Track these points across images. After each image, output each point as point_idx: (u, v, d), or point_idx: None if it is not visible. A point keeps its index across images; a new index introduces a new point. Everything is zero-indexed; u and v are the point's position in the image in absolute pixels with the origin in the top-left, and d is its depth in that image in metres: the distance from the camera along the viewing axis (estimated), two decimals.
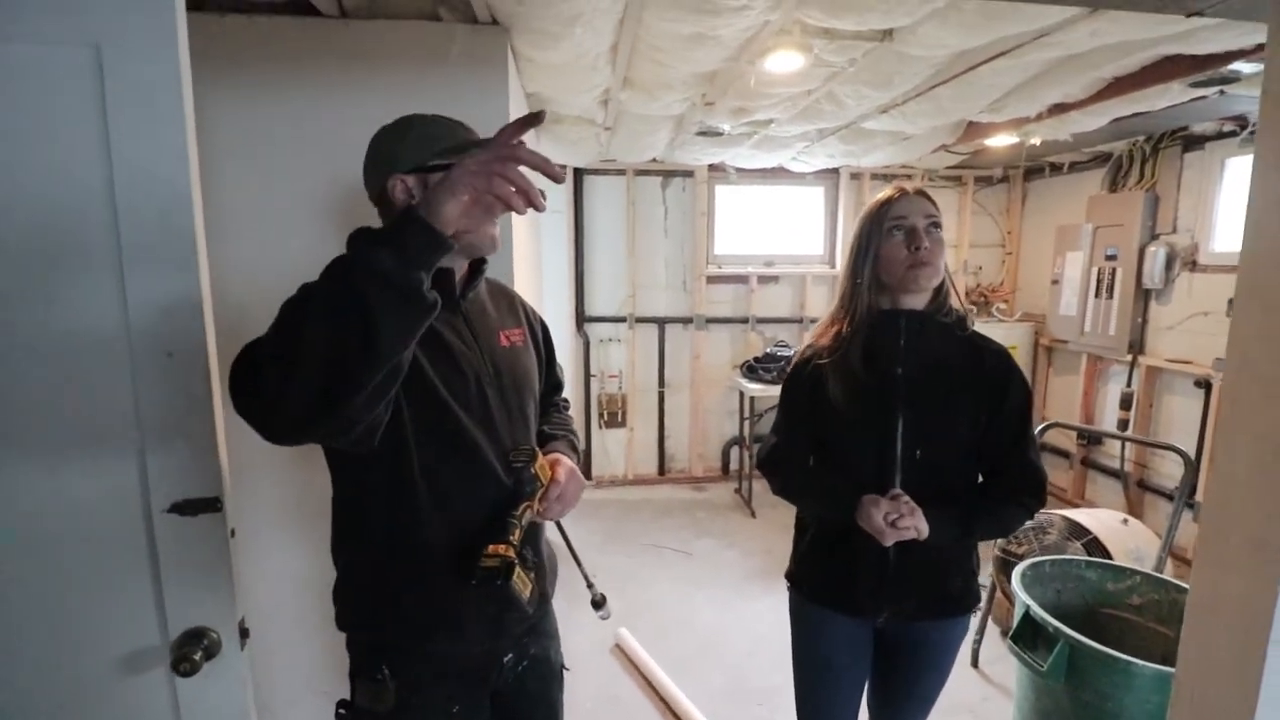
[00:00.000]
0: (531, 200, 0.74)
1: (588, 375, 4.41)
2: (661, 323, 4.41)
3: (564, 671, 1.22)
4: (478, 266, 1.06)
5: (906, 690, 1.39)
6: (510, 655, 1.09)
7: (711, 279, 4.40)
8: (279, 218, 1.71)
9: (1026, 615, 1.70)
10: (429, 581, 0.98)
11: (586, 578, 1.25)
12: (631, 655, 2.54)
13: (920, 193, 1.21)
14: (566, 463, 1.05)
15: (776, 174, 4.23)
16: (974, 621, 2.50)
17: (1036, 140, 3.03)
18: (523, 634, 1.09)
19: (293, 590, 1.85)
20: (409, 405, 0.95)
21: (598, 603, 1.24)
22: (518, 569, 0.89)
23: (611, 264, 4.32)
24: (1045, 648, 1.64)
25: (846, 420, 1.25)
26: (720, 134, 3.02)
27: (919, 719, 1.42)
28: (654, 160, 3.98)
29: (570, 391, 4.43)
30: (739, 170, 4.16)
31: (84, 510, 0.99)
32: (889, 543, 1.14)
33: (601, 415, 4.46)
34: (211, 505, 1.03)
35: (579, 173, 4.14)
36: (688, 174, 4.25)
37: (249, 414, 0.76)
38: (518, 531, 0.92)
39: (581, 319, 4.34)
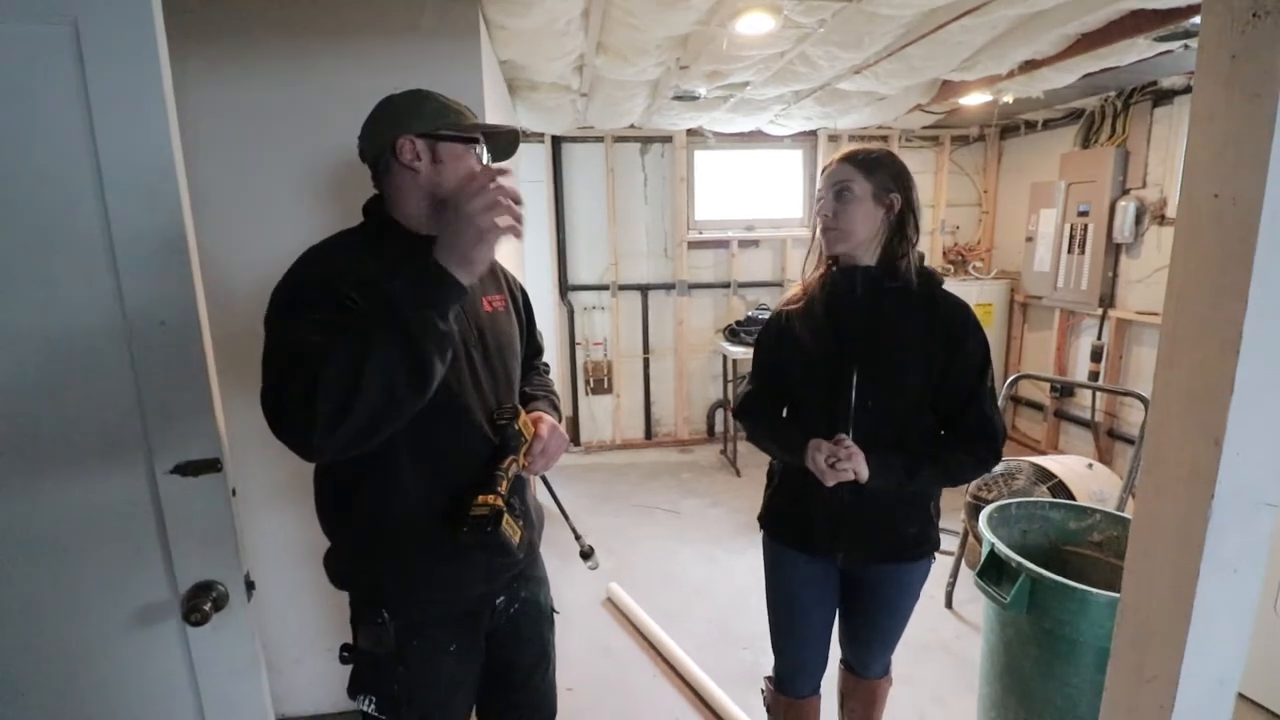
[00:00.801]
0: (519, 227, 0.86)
1: (573, 343, 4.46)
2: (644, 289, 4.45)
3: (554, 615, 1.30)
4: None
5: (868, 628, 1.49)
6: (502, 598, 1.16)
7: (693, 244, 4.43)
8: (260, 190, 1.72)
9: (992, 553, 1.80)
10: (423, 536, 1.04)
11: (574, 530, 1.32)
12: (623, 607, 2.65)
13: (846, 158, 1.27)
14: (549, 419, 1.11)
15: (754, 138, 4.24)
16: (947, 565, 2.63)
17: (1009, 98, 3.07)
18: (513, 578, 1.17)
19: (293, 554, 1.92)
20: None
21: (586, 553, 1.32)
22: (506, 516, 0.96)
23: (592, 232, 4.33)
24: (1009, 582, 1.74)
25: (806, 371, 1.33)
26: (696, 98, 3.03)
27: (884, 654, 1.53)
28: (632, 126, 3.97)
29: (555, 360, 4.50)
30: (717, 135, 4.17)
31: (91, 474, 1.04)
32: (830, 483, 1.21)
33: (588, 382, 4.53)
34: (212, 466, 1.08)
35: (557, 141, 4.13)
36: (666, 140, 4.24)
37: (295, 445, 0.86)
38: (504, 483, 0.99)
39: (565, 288, 4.37)
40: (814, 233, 1.34)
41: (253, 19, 1.65)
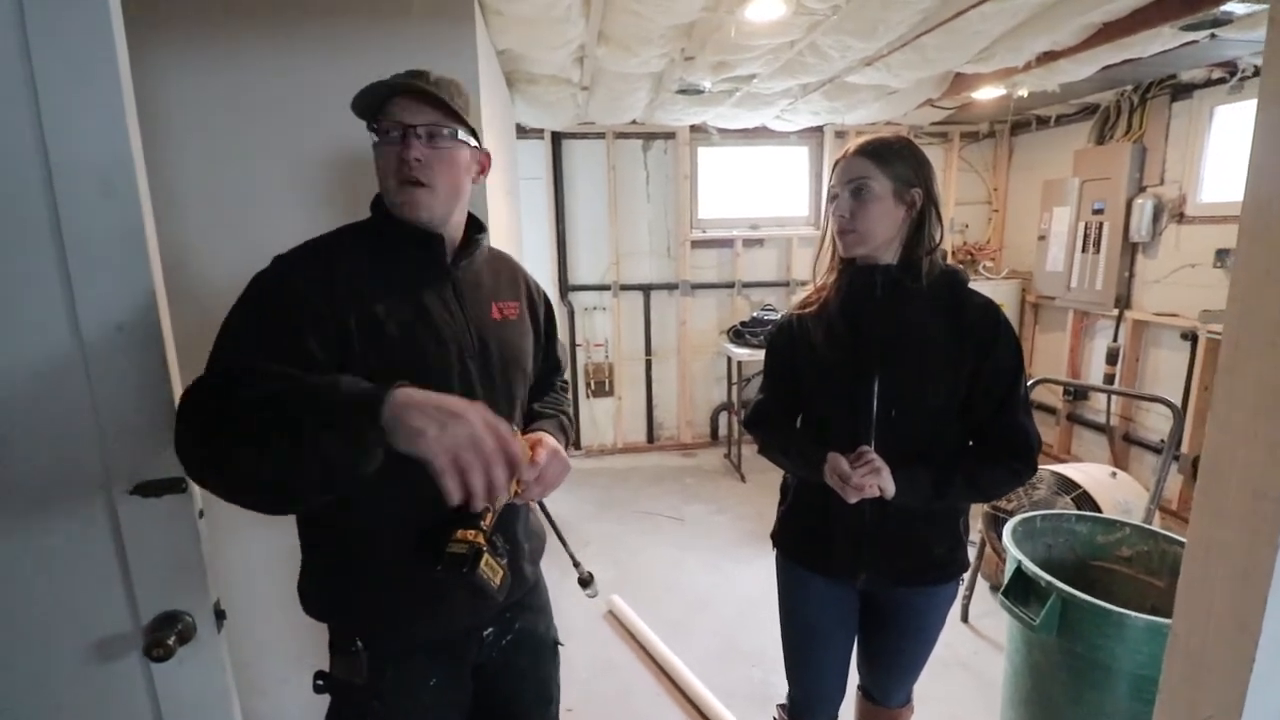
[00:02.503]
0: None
1: (573, 345, 4.36)
2: (646, 289, 4.35)
3: (558, 647, 1.19)
4: (473, 234, 1.03)
5: (892, 655, 1.38)
6: (491, 630, 1.06)
7: (696, 243, 4.33)
8: (243, 185, 1.62)
9: (1018, 570, 1.70)
10: (398, 564, 0.93)
11: (572, 557, 1.22)
12: (625, 621, 2.55)
13: (861, 151, 1.15)
14: (550, 443, 0.99)
15: (759, 134, 4.14)
16: (964, 578, 2.53)
17: (1024, 92, 2.97)
18: (506, 608, 1.06)
19: (275, 569, 1.81)
20: (382, 375, 0.89)
21: (584, 580, 1.22)
22: (486, 556, 0.84)
23: (593, 231, 4.23)
24: (1037, 602, 1.64)
25: (823, 380, 1.23)
26: (701, 92, 2.93)
27: (906, 682, 1.42)
28: (634, 122, 3.87)
29: None
30: (721, 131, 4.06)
31: (43, 495, 0.93)
32: (852, 500, 1.11)
33: (589, 385, 4.43)
34: (176, 486, 0.97)
35: (557, 137, 4.02)
36: (669, 135, 4.14)
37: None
38: (490, 516, 0.86)
39: (565, 288, 4.27)
40: (823, 234, 1.24)
41: (232, 3, 1.54)
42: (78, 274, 0.88)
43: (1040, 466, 2.55)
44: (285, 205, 1.62)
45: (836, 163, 1.19)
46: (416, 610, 0.96)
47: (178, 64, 1.54)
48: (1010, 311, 4.18)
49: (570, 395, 1.26)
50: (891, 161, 1.13)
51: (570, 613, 2.64)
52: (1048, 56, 2.51)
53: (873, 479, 1.10)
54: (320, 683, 1.00)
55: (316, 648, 1.90)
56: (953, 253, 4.42)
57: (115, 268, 0.90)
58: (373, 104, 0.93)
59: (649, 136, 4.15)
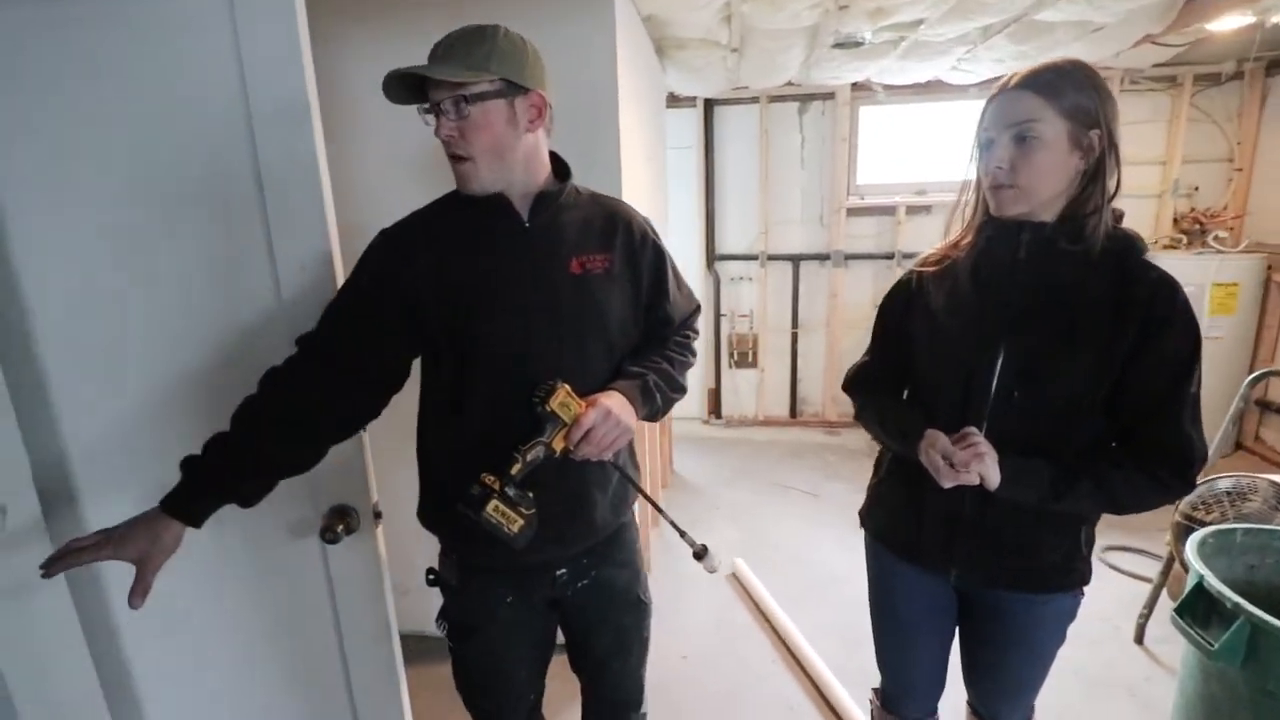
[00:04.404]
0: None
1: (718, 314, 4.37)
2: (796, 260, 4.21)
3: (643, 604, 1.21)
4: (549, 190, 1.01)
5: (995, 669, 1.22)
6: (564, 571, 1.09)
7: (852, 211, 4.09)
8: (400, 158, 1.83)
9: (1199, 587, 1.45)
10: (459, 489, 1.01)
11: (677, 528, 1.11)
12: (746, 584, 2.58)
13: (1027, 83, 0.93)
14: (605, 403, 0.95)
15: (932, 89, 3.76)
16: (1140, 592, 2.20)
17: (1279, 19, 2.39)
18: (582, 553, 1.10)
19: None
20: (447, 338, 0.99)
21: (699, 554, 1.10)
22: (495, 501, 0.89)
23: (743, 199, 4.17)
24: (1221, 625, 1.40)
25: (936, 347, 1.08)
26: (860, 44, 2.73)
27: (1019, 702, 1.24)
28: (789, 84, 3.71)
29: (701, 331, 4.41)
30: (887, 88, 3.76)
31: None
32: (946, 484, 0.97)
33: (731, 355, 4.42)
34: None
35: (709, 104, 4.00)
36: (828, 96, 3.92)
37: None
38: (517, 465, 0.91)
39: (712, 257, 4.27)
40: (962, 190, 1.06)
41: None
42: (275, 222, 1.07)
43: (1258, 476, 2.12)
44: (417, 182, 1.81)
45: (992, 98, 0.97)
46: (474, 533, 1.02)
47: (355, 39, 1.76)
48: (1247, 293, 3.43)
49: (690, 355, 1.18)
50: (1065, 94, 0.91)
51: (693, 567, 2.71)
52: None
53: (975, 463, 0.94)
54: (431, 578, 1.16)
55: None
56: (1175, 220, 3.72)
57: (300, 221, 1.08)
58: (405, 95, 0.94)
59: (806, 98, 3.96)
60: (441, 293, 0.98)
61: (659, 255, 1.12)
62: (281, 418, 0.95)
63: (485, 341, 0.98)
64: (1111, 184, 0.96)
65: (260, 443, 0.93)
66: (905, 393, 1.21)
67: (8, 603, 1.01)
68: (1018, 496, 0.98)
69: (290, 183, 1.06)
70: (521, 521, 0.91)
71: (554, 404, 0.92)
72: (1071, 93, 0.92)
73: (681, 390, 1.13)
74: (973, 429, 0.98)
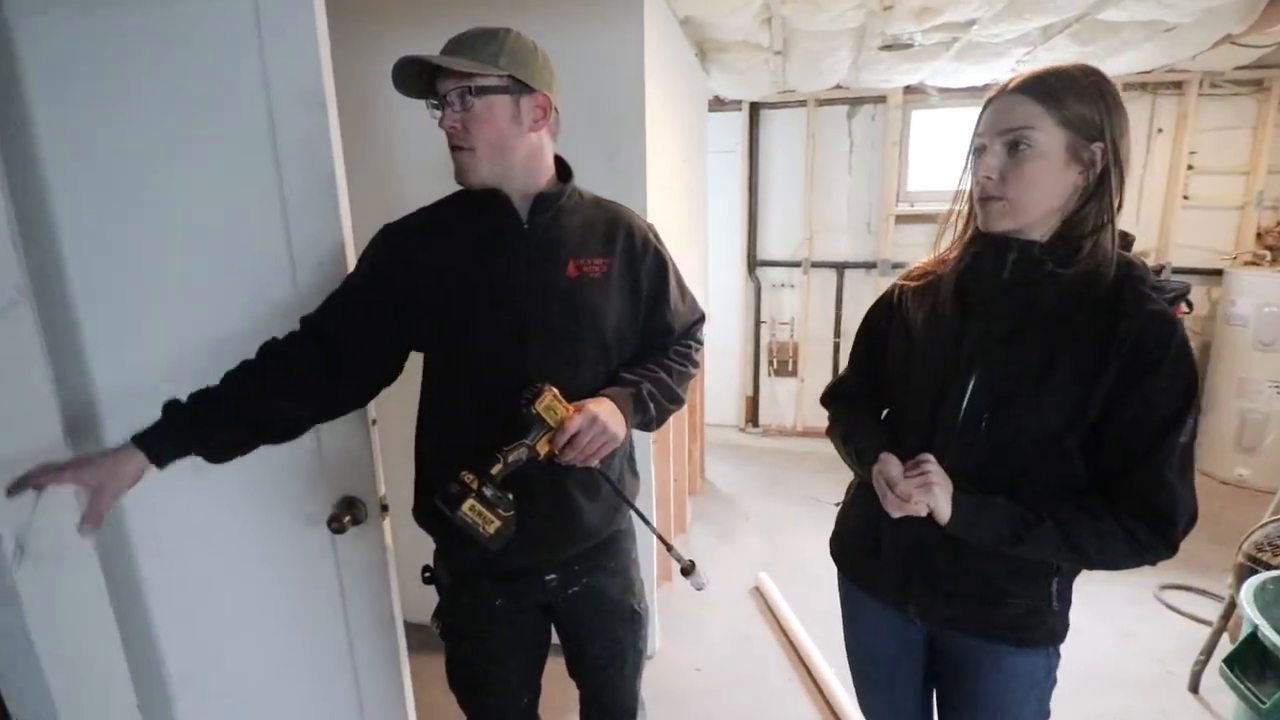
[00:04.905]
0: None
1: (758, 321, 4.30)
2: (840, 267, 4.10)
3: (636, 614, 1.19)
4: (550, 191, 1.01)
5: (965, 716, 1.09)
6: (554, 577, 1.09)
7: (902, 218, 3.96)
8: (426, 161, 1.87)
9: (1252, 638, 1.33)
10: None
11: (667, 545, 1.08)
12: (769, 600, 2.52)
13: (1024, 88, 0.85)
14: (592, 409, 0.94)
15: (990, 92, 3.59)
16: (1198, 637, 2.04)
17: None
18: (572, 559, 1.09)
19: None
20: (437, 335, 1.01)
21: (686, 570, 1.06)
22: (471, 500, 0.89)
23: (787, 204, 4.09)
24: (1275, 681, 1.28)
25: (907, 365, 1.01)
26: (910, 46, 2.64)
27: None
28: (838, 87, 3.62)
29: (739, 338, 4.38)
30: (942, 90, 3.62)
31: None
32: (893, 513, 0.90)
33: (771, 363, 4.35)
34: None
35: (755, 107, 3.94)
36: (879, 99, 3.80)
37: None
38: (498, 466, 0.90)
39: (753, 263, 4.21)
40: (954, 204, 0.98)
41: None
42: (294, 226, 1.12)
43: None
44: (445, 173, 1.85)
45: (988, 102, 0.90)
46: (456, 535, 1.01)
47: (385, 43, 1.81)
48: None
49: (691, 365, 1.15)
50: (1067, 103, 0.83)
51: (718, 577, 2.68)
52: None
53: (921, 493, 0.87)
54: (426, 575, 1.17)
55: None
56: (1258, 235, 3.44)
57: (316, 211, 1.11)
58: (417, 86, 0.96)
59: (855, 101, 3.86)
60: (435, 288, 0.99)
61: (661, 262, 1.10)
62: (266, 385, 0.97)
63: (475, 340, 0.98)
64: (1112, 203, 0.86)
65: (242, 399, 0.96)
66: (885, 412, 1.13)
67: (40, 569, 1.08)
68: (972, 535, 0.90)
69: (309, 185, 1.10)
70: (498, 523, 0.90)
71: (539, 407, 0.91)
72: (1073, 101, 0.83)
73: (679, 401, 1.11)
74: (927, 457, 0.91)
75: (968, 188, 0.96)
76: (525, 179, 0.99)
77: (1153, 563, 0.87)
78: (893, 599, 1.05)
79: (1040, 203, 0.87)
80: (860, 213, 4.03)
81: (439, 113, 0.95)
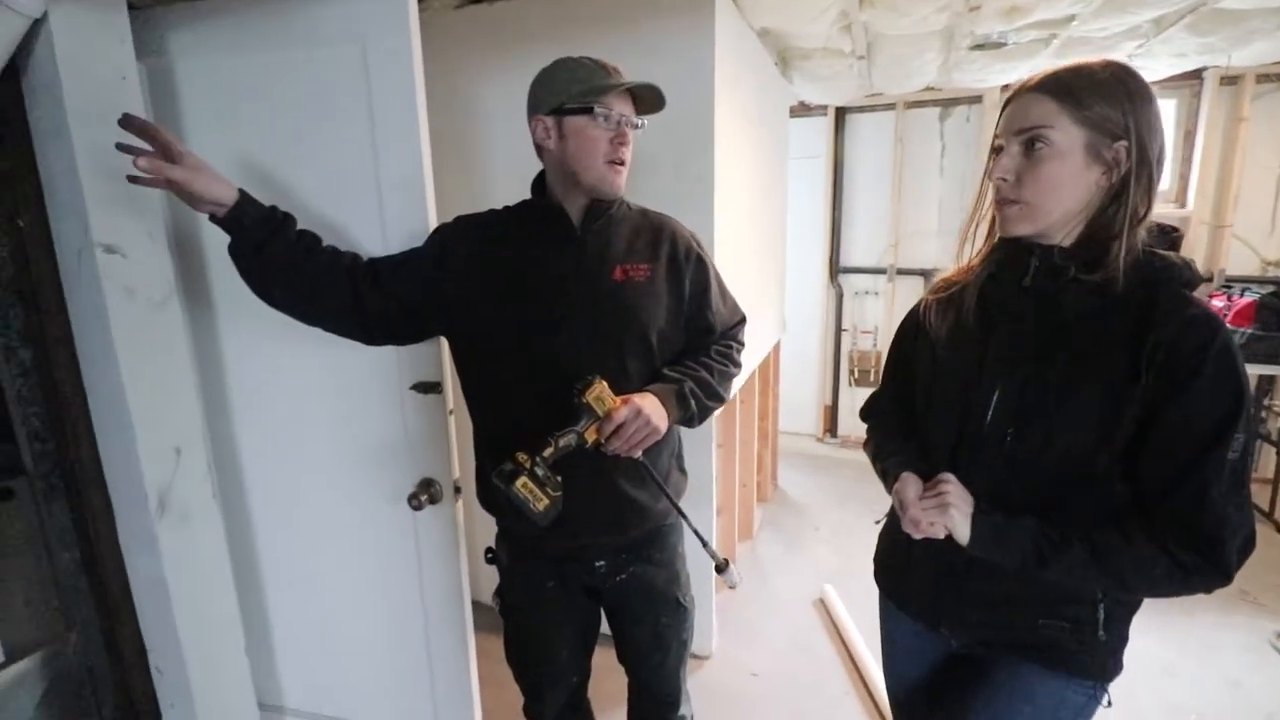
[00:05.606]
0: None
1: (839, 329, 4.21)
2: (928, 275, 3.94)
3: (682, 606, 1.25)
4: (599, 204, 1.09)
5: (956, 710, 1.01)
6: (603, 563, 1.17)
7: None
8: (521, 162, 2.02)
9: None
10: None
11: (702, 541, 1.12)
12: (832, 612, 2.48)
13: (1042, 86, 0.81)
14: (636, 402, 1.01)
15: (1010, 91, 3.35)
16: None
17: None
18: (621, 547, 1.17)
19: None
20: (493, 323, 1.09)
21: (720, 567, 1.10)
22: (524, 478, 0.97)
23: (872, 210, 3.99)
24: None
25: (931, 381, 0.99)
26: (1003, 45, 2.53)
27: None
28: (929, 89, 3.50)
29: (819, 345, 4.29)
30: None
31: (366, 391, 1.39)
32: (914, 535, 0.89)
33: (852, 372, 4.24)
34: (435, 388, 1.35)
35: (841, 112, 3.87)
36: (974, 100, 3.63)
37: None
38: (550, 449, 0.98)
39: (835, 270, 4.13)
40: (975, 203, 0.95)
41: (502, 30, 1.90)
42: (391, 233, 1.27)
43: None
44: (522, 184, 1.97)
45: (1007, 101, 0.86)
46: (510, 511, 1.10)
47: (489, 73, 1.98)
48: None
49: (732, 365, 1.21)
50: (1085, 100, 0.78)
51: (782, 586, 2.67)
52: None
53: (936, 515, 0.85)
54: (489, 556, 1.27)
55: None
56: None
57: (406, 216, 1.26)
58: (598, 91, 1.03)
59: (948, 103, 3.71)
60: (493, 280, 1.09)
61: (702, 267, 1.17)
62: (314, 263, 1.08)
63: (529, 336, 1.08)
64: (1140, 207, 0.81)
65: (314, 246, 1.10)
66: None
67: (176, 524, 1.28)
68: (993, 557, 0.86)
69: (401, 191, 1.27)
70: (547, 501, 0.99)
71: (590, 397, 1.00)
72: (1094, 99, 0.78)
73: (720, 399, 1.16)
74: (947, 477, 0.89)
75: (982, 199, 0.94)
76: (562, 191, 1.10)
77: (1206, 590, 0.81)
78: (925, 619, 1.04)
79: (1059, 205, 0.83)
80: (952, 217, 3.86)
81: (600, 119, 1.03)
